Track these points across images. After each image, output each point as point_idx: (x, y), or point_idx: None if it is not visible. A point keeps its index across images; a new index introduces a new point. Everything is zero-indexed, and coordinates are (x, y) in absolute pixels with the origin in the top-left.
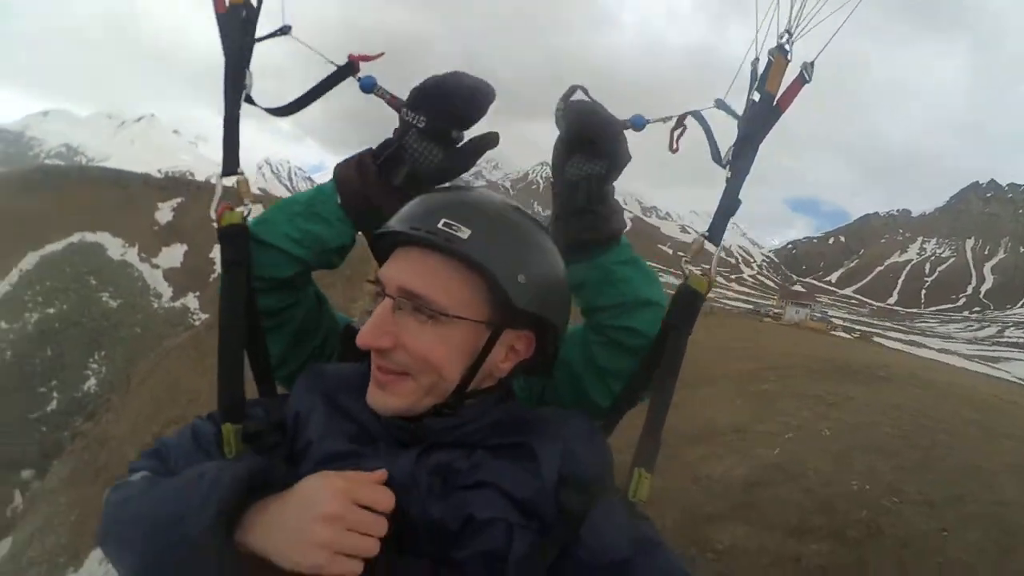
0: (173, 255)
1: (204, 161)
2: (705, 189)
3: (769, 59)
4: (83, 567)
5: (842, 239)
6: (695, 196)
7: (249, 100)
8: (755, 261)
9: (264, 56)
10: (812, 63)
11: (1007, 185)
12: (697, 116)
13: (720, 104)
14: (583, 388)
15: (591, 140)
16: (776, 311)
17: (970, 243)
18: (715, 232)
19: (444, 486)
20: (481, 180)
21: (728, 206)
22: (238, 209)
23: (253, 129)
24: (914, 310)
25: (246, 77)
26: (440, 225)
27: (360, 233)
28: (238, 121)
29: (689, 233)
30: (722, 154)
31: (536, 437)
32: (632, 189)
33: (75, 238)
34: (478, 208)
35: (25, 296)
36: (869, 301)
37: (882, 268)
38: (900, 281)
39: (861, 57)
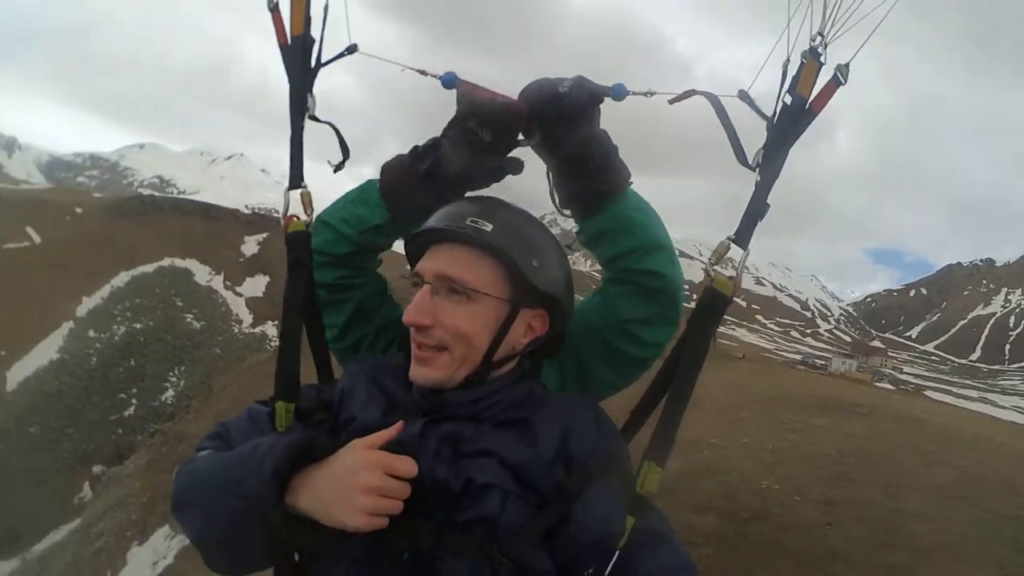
0: (256, 285)
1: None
2: (782, 240)
3: (801, 62)
4: (148, 541)
5: (923, 291)
6: (771, 248)
7: (314, 118)
8: (832, 315)
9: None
10: (847, 65)
11: None
12: (710, 98)
13: (744, 97)
14: (614, 346)
15: (567, 116)
16: (821, 363)
17: None
18: (742, 235)
19: (451, 452)
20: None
21: (756, 210)
22: (303, 218)
23: (340, 175)
24: (997, 367)
25: (308, 100)
26: (468, 222)
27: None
28: (302, 141)
29: (764, 285)
30: (749, 156)
31: (540, 415)
32: (707, 238)
33: (165, 262)
34: (498, 209)
35: (115, 310)
36: (950, 358)
37: (965, 322)
38: (983, 336)
39: (940, 101)
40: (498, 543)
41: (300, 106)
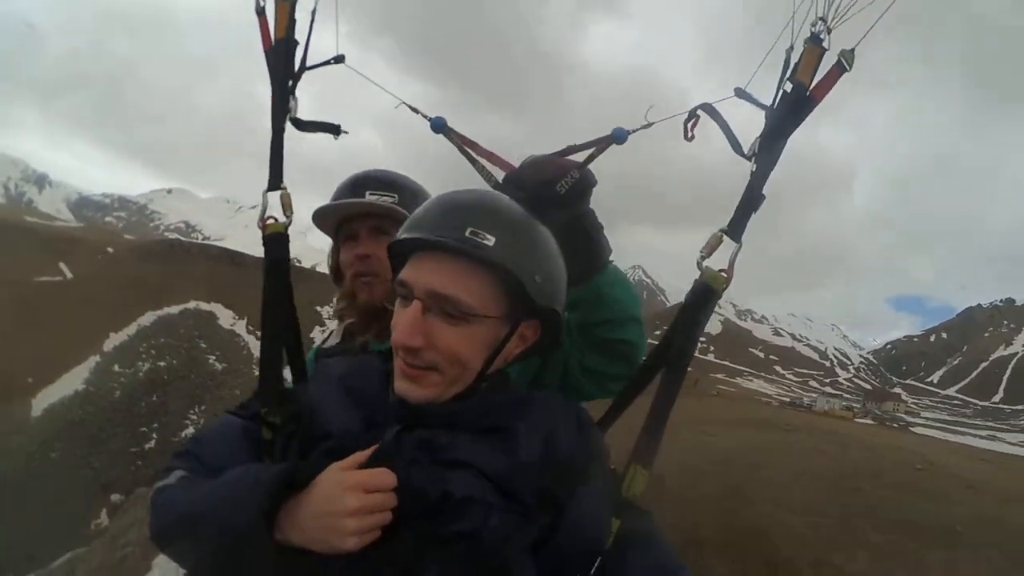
0: None
1: (310, 250)
2: (804, 292)
3: (804, 47)
4: None
5: (944, 336)
6: (794, 300)
7: (295, 121)
8: (852, 363)
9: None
10: (852, 51)
11: None
12: (708, 110)
13: (741, 93)
14: (576, 383)
15: (558, 202)
16: (808, 402)
17: None
18: (735, 228)
19: (426, 460)
20: None
21: (750, 200)
22: (281, 220)
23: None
24: (1021, 407)
25: (290, 103)
26: (467, 234)
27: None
28: (282, 143)
29: (782, 336)
30: (745, 147)
31: (520, 421)
32: (726, 294)
33: (191, 304)
34: (498, 215)
35: (140, 348)
36: (973, 401)
37: (987, 364)
38: (1006, 376)
39: (955, 146)
40: (484, 556)
41: (282, 108)
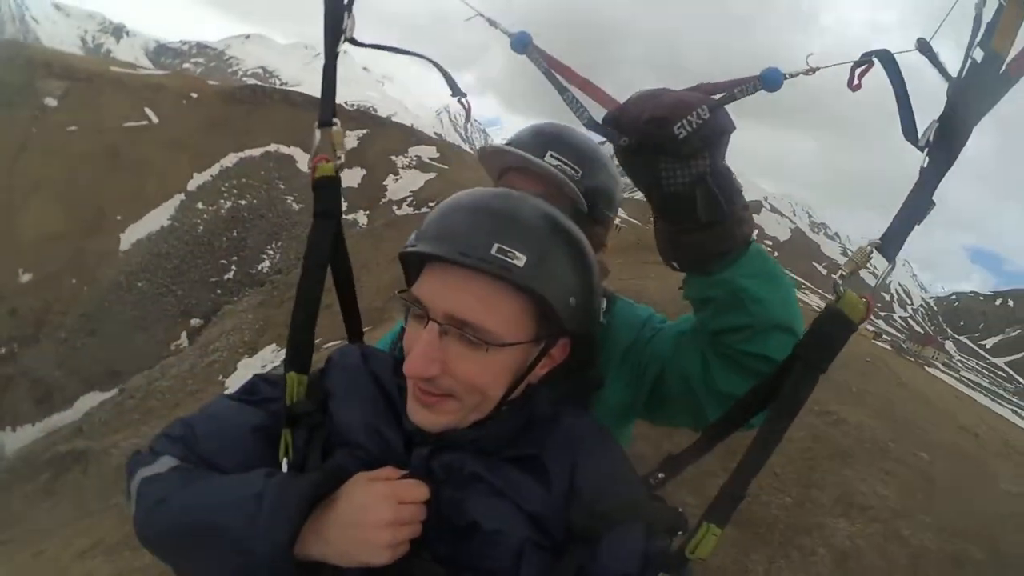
0: (352, 177)
1: (388, 99)
2: (882, 215)
3: (1000, 3)
4: (257, 355)
5: (1010, 303)
6: (873, 220)
7: (353, 41)
8: (911, 304)
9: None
10: None
11: None
12: (885, 59)
13: (924, 48)
14: (699, 407)
15: (675, 149)
16: None
17: None
18: (891, 241)
19: (454, 483)
20: None
21: (916, 208)
22: (332, 162)
23: (438, 79)
24: None
25: (344, 22)
26: (495, 252)
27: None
28: (335, 70)
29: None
30: (919, 130)
31: (548, 448)
32: (804, 199)
33: (271, 148)
34: (530, 229)
35: (223, 187)
36: (1018, 378)
37: None
38: None
39: None
40: None
41: (336, 28)
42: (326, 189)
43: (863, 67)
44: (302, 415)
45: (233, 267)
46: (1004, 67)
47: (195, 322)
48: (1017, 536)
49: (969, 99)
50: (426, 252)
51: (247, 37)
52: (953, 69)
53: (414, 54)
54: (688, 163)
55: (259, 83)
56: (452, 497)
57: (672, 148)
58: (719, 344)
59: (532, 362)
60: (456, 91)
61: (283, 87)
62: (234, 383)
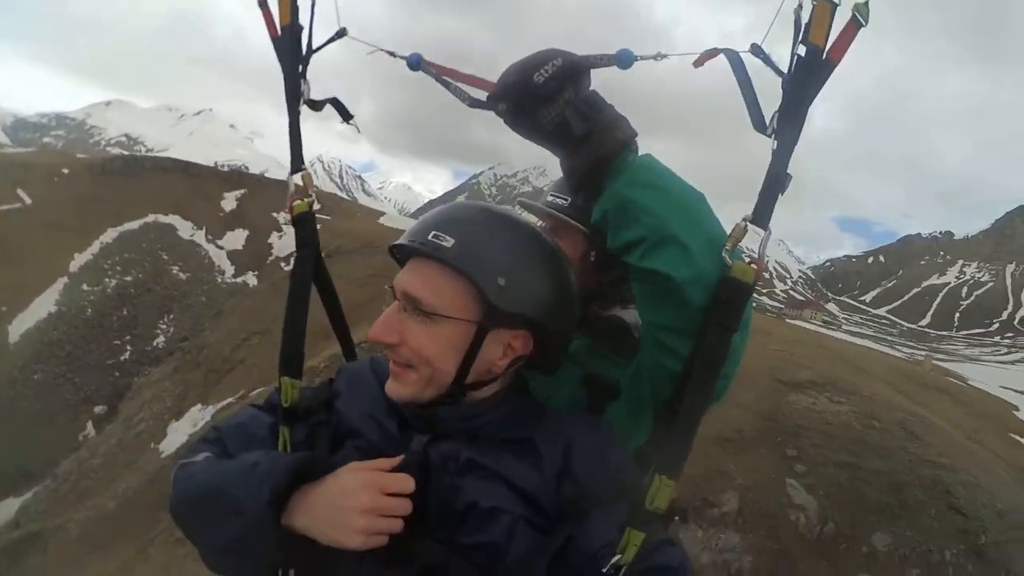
0: (236, 238)
1: (259, 156)
2: (751, 205)
3: (813, 4)
4: (184, 417)
5: (881, 259)
6: (744, 207)
7: (309, 103)
8: (790, 277)
9: (327, 56)
10: (866, 3)
11: None
12: (730, 56)
13: (757, 51)
14: (655, 359)
15: (542, 96)
16: None
17: (1011, 268)
18: (761, 214)
19: (453, 471)
20: (528, 186)
21: (775, 182)
22: (305, 199)
23: (309, 128)
24: (945, 333)
25: (302, 87)
26: (430, 237)
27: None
28: (299, 126)
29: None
30: (765, 119)
31: (541, 432)
32: None
33: (150, 219)
34: (465, 221)
35: (105, 264)
36: (900, 322)
37: (919, 290)
38: (935, 304)
39: (914, 80)
40: (504, 567)
41: (295, 93)
42: (303, 224)
43: (709, 55)
44: (301, 411)
45: (128, 347)
46: (825, 55)
47: (99, 409)
48: None
49: (799, 88)
50: (393, 244)
51: (108, 104)
52: (784, 65)
53: (343, 111)
54: (556, 100)
55: (124, 151)
56: (450, 483)
57: (540, 93)
58: (631, 271)
59: (474, 341)
60: (346, 117)
61: (150, 153)
62: (168, 447)
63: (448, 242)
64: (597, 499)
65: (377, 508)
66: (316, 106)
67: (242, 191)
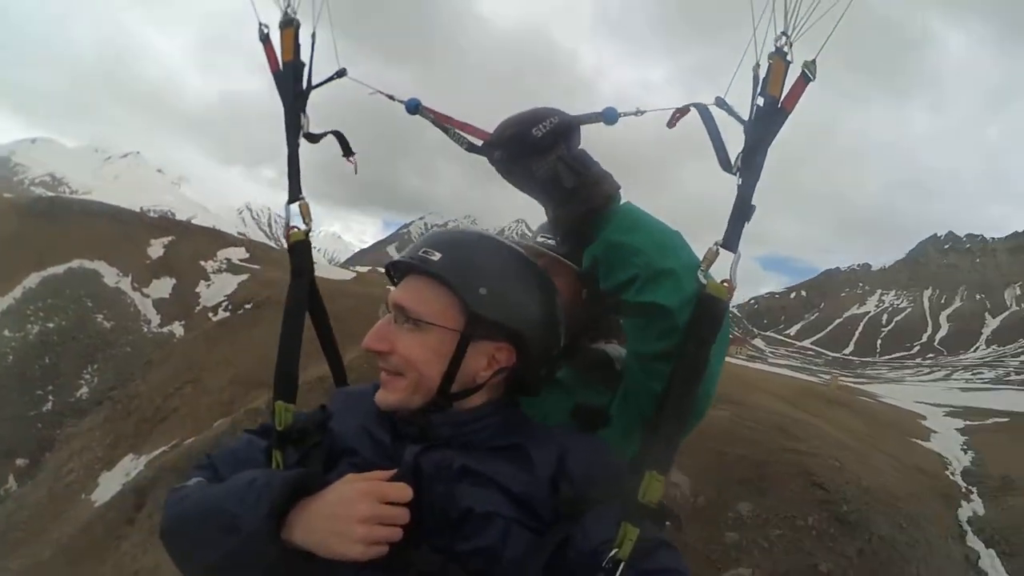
0: (162, 287)
1: (186, 202)
2: (712, 232)
3: (769, 63)
4: (116, 467)
5: (803, 293)
6: (702, 235)
7: (308, 136)
8: None
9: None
10: (814, 61)
11: (965, 236)
12: (701, 109)
13: (721, 103)
14: (647, 386)
15: (537, 150)
16: None
17: (927, 293)
18: (730, 239)
19: (447, 478)
20: None
21: (742, 211)
22: (302, 228)
23: (237, 176)
24: (869, 359)
25: (302, 120)
26: (420, 252)
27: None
28: (298, 158)
29: None
30: (731, 160)
31: (532, 440)
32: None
33: (75, 264)
34: (454, 239)
35: (28, 310)
36: (824, 351)
37: (841, 320)
38: (857, 332)
39: (828, 120)
40: (501, 572)
41: (295, 126)
42: (299, 252)
43: (681, 113)
44: (295, 434)
45: (51, 397)
46: (780, 104)
47: (20, 462)
48: None
49: (759, 132)
50: (391, 262)
51: (33, 141)
52: (744, 113)
53: (346, 146)
54: (549, 154)
55: (47, 191)
56: (444, 491)
57: (537, 146)
58: (622, 305)
59: (458, 349)
60: (347, 151)
61: (74, 195)
62: (100, 497)
63: (435, 256)
64: (594, 499)
65: (376, 517)
66: (314, 139)
67: (169, 238)
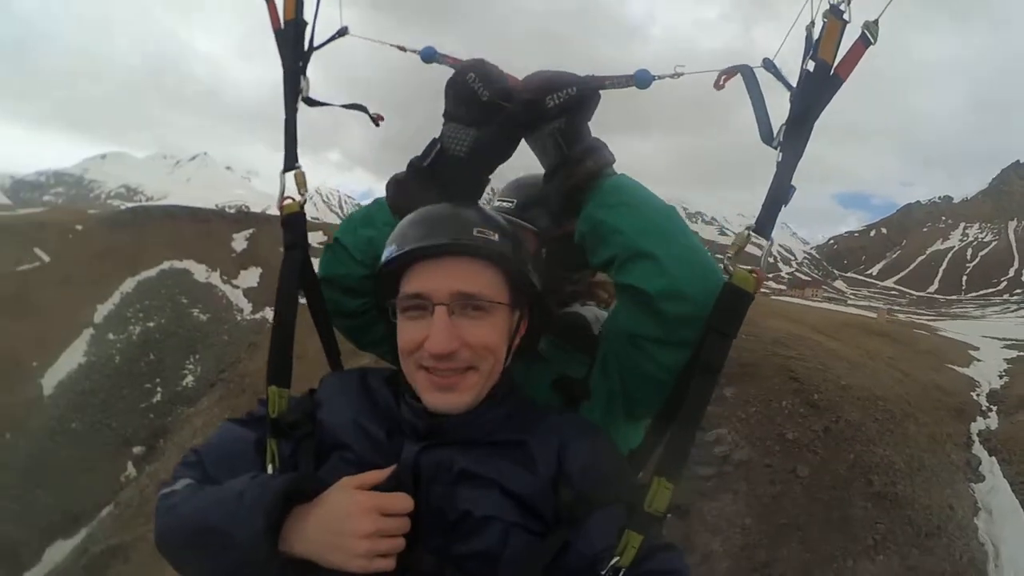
0: (250, 277)
1: (257, 194)
2: (747, 191)
3: (824, 22)
4: None
5: (884, 231)
6: (733, 195)
7: (307, 100)
8: (795, 259)
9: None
10: (876, 22)
11: None
12: (745, 72)
13: (769, 66)
14: (634, 363)
15: (537, 112)
16: None
17: (1013, 224)
18: (764, 224)
19: (447, 480)
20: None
21: (778, 194)
22: (296, 199)
23: (304, 162)
24: (954, 297)
25: (301, 83)
26: (476, 232)
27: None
28: (295, 123)
29: (728, 235)
30: (773, 131)
31: (535, 434)
32: (678, 196)
33: (165, 265)
34: (493, 218)
35: (127, 313)
36: (908, 291)
37: (924, 257)
38: (941, 269)
39: (900, 44)
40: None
41: (294, 88)
42: (292, 224)
43: (727, 75)
44: (286, 425)
45: (159, 389)
46: (833, 71)
47: (137, 450)
48: None
49: (807, 103)
50: (419, 246)
51: (103, 157)
52: (794, 79)
53: (360, 108)
54: (551, 123)
55: (125, 202)
56: (442, 492)
57: (541, 116)
58: (615, 286)
59: (516, 324)
60: (374, 120)
61: (150, 202)
62: None
63: (494, 236)
64: (594, 503)
65: (379, 531)
66: (314, 104)
67: (251, 230)
